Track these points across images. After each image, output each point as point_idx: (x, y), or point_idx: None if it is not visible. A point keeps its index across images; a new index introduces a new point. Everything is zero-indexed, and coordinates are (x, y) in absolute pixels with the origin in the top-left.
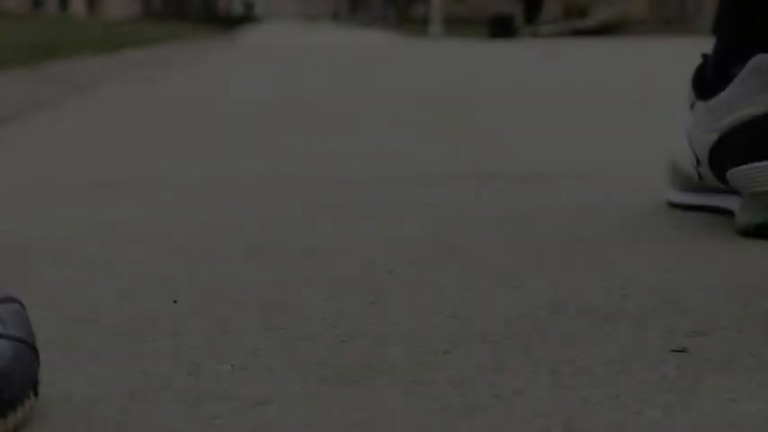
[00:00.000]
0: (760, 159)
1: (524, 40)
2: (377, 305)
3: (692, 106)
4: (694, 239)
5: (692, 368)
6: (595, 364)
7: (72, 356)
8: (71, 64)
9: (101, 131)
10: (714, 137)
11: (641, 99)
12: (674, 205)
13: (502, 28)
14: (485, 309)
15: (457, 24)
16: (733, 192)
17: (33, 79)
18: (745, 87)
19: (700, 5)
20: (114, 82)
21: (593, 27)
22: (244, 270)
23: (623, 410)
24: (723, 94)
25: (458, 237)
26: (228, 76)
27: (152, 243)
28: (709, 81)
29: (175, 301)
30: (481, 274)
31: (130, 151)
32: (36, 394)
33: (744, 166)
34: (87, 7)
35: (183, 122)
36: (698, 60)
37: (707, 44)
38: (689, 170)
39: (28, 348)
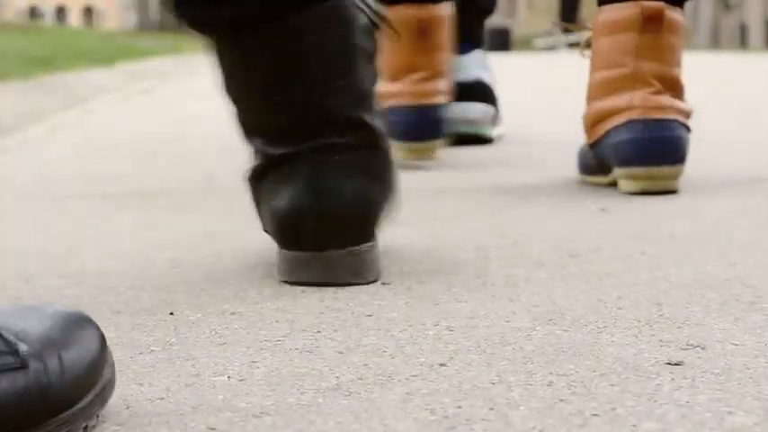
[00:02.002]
0: None
1: (519, 52)
2: (373, 317)
3: None
4: (689, 253)
5: (688, 381)
6: (591, 376)
7: None
8: (67, 76)
9: (97, 143)
10: None
11: None
12: None
13: (498, 40)
14: (481, 321)
15: None
16: None
17: (30, 90)
18: None
19: (697, 19)
20: (110, 94)
21: (590, 40)
22: (241, 282)
23: (619, 424)
24: None
25: (453, 250)
26: None
27: (148, 255)
28: None
29: (172, 313)
30: (477, 286)
31: (126, 163)
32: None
33: None
34: (84, 19)
35: (181, 134)
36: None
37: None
38: None
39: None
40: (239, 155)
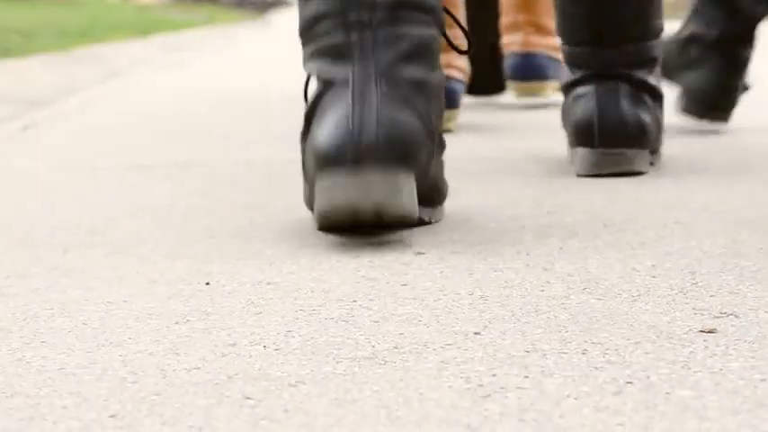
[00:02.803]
0: None
1: None
2: (408, 287)
3: None
4: (723, 222)
5: (721, 349)
6: (625, 344)
7: (105, 337)
8: (103, 48)
9: (132, 115)
10: None
11: None
12: None
13: None
14: (515, 290)
15: None
16: None
17: (65, 63)
18: None
19: None
20: (146, 66)
21: None
22: (276, 252)
23: (653, 391)
24: None
25: (487, 219)
26: (261, 60)
27: (183, 225)
28: None
29: (208, 283)
30: (512, 255)
31: (161, 134)
32: None
33: None
34: None
35: (216, 105)
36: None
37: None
38: None
39: None
40: (276, 125)
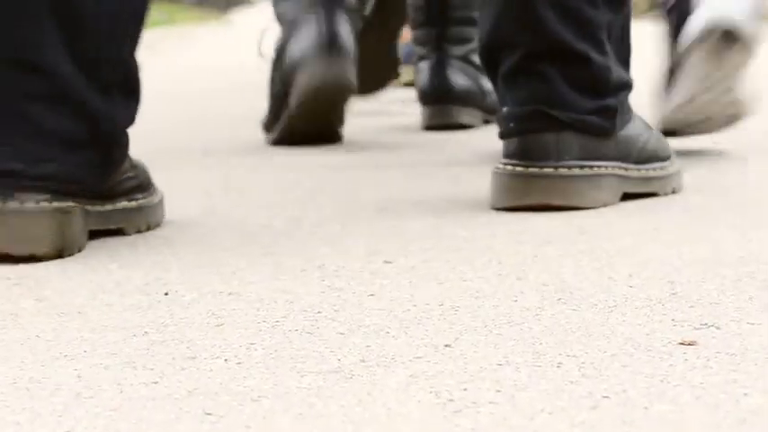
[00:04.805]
0: None
1: None
2: (375, 297)
3: None
4: (703, 230)
5: (702, 362)
6: (601, 357)
7: (60, 350)
8: None
9: None
10: None
11: None
12: None
13: None
14: (487, 300)
15: None
16: None
17: None
18: None
19: None
20: None
21: None
22: (238, 261)
23: (630, 406)
24: None
25: (457, 225)
26: (221, 62)
27: (143, 234)
28: None
29: (166, 293)
30: (483, 264)
31: None
32: None
33: None
34: None
35: (174, 110)
36: None
37: None
38: None
39: None
40: (235, 130)
